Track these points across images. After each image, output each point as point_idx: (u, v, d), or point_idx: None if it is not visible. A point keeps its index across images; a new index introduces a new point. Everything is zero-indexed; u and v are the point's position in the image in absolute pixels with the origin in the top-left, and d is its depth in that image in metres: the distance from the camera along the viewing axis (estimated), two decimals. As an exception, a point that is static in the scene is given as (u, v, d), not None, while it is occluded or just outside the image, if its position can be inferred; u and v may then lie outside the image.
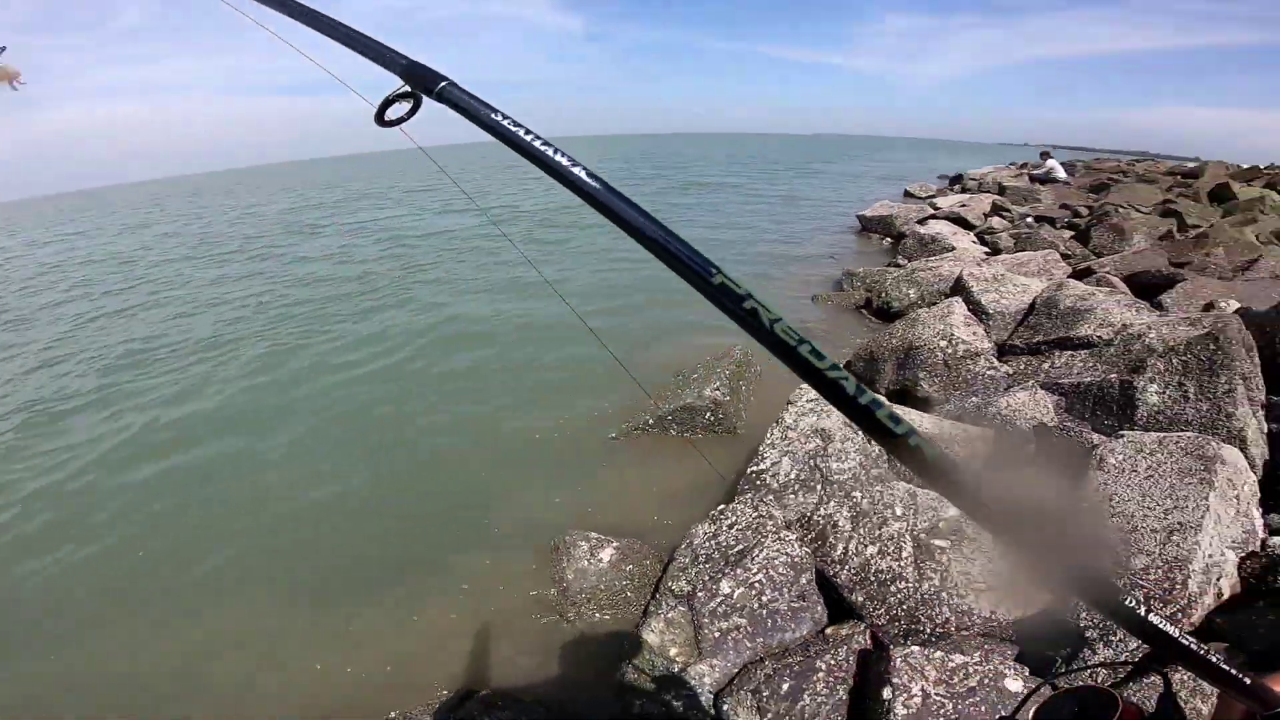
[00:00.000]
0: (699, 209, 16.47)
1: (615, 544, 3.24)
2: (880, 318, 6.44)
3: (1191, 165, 17.33)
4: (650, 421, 4.56)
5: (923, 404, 4.19)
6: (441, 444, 4.83)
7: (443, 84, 0.67)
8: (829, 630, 2.49)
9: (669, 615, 2.59)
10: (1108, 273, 5.59)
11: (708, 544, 2.92)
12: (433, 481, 4.35)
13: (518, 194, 20.45)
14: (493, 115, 0.63)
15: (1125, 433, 3.20)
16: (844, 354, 5.48)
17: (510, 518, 3.81)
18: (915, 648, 2.14)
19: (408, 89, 0.70)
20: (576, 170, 0.57)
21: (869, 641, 2.40)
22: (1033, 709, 0.65)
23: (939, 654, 2.11)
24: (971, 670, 2.05)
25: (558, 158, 0.58)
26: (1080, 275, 5.79)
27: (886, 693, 2.02)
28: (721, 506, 3.15)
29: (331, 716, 2.65)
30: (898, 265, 7.68)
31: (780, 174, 24.40)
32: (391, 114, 0.72)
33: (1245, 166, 16.11)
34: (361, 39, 0.76)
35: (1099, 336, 4.24)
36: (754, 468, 3.41)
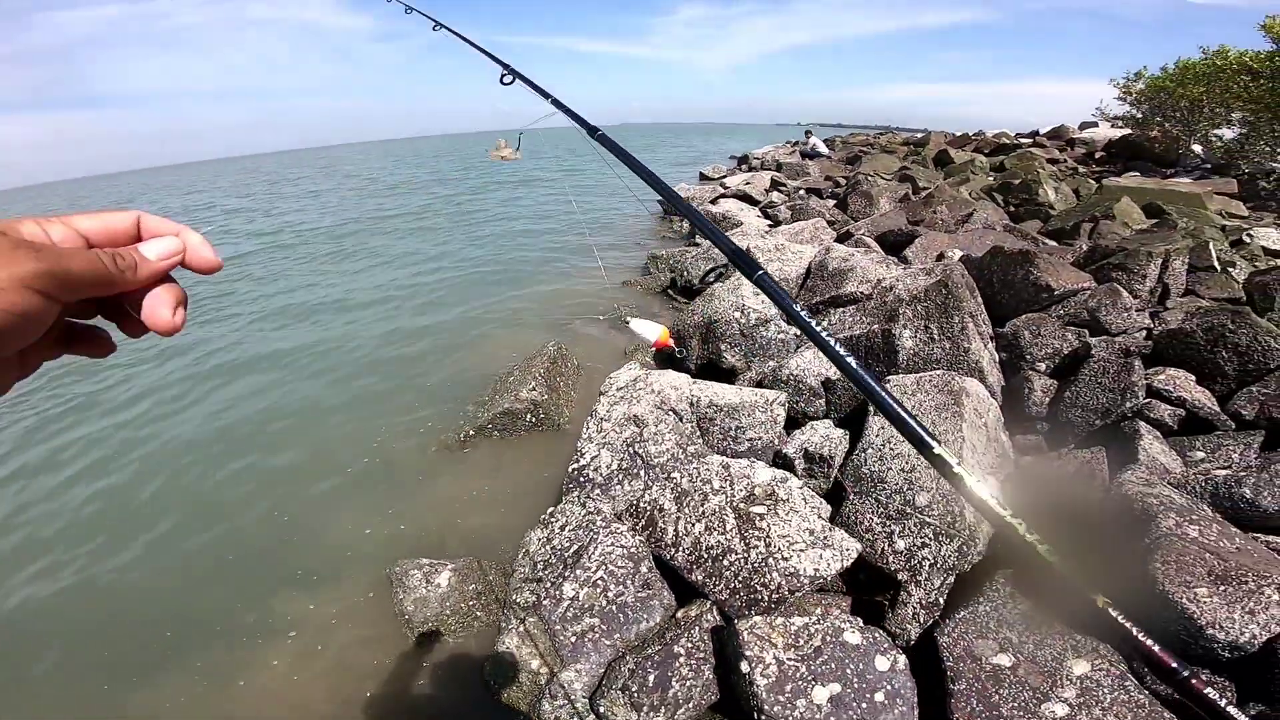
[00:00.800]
0: (512, 204, 16.18)
1: (451, 565, 3.06)
2: (685, 296, 6.78)
3: (920, 135, 20.38)
4: (471, 431, 4.40)
5: (728, 375, 4.49)
6: (240, 483, 4.25)
7: (760, 273, 0.94)
8: (679, 614, 2.53)
9: (521, 629, 2.50)
10: (863, 235, 6.38)
11: (543, 549, 2.88)
12: (238, 526, 3.83)
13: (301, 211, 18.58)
14: (793, 306, 0.87)
15: (891, 377, 3.66)
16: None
17: (331, 555, 3.46)
18: (757, 618, 2.23)
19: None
20: (836, 346, 0.80)
21: (719, 617, 2.48)
22: None
23: (780, 620, 2.21)
24: (813, 630, 2.17)
25: (826, 337, 0.82)
26: (843, 239, 6.54)
27: (744, 666, 2.09)
28: (551, 509, 3.12)
29: None
30: (696, 244, 8.12)
31: (587, 166, 24.70)
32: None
33: (959, 134, 19.28)
34: (714, 230, 1.08)
35: (861, 292, 4.81)
36: (574, 464, 3.41)
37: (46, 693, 2.82)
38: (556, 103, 1.42)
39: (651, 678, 2.25)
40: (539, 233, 12.36)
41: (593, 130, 1.21)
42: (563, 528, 2.97)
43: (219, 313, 8.27)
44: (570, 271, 8.82)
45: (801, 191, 10.56)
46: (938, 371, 3.50)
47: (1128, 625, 0.56)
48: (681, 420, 3.55)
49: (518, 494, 3.82)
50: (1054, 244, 6.10)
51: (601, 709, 2.25)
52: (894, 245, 6.09)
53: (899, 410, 0.70)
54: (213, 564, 3.51)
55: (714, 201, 10.57)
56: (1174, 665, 0.55)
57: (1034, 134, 18.63)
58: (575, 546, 2.80)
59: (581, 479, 3.31)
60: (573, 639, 2.45)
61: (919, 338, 4.02)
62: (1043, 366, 3.80)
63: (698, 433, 3.62)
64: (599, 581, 2.60)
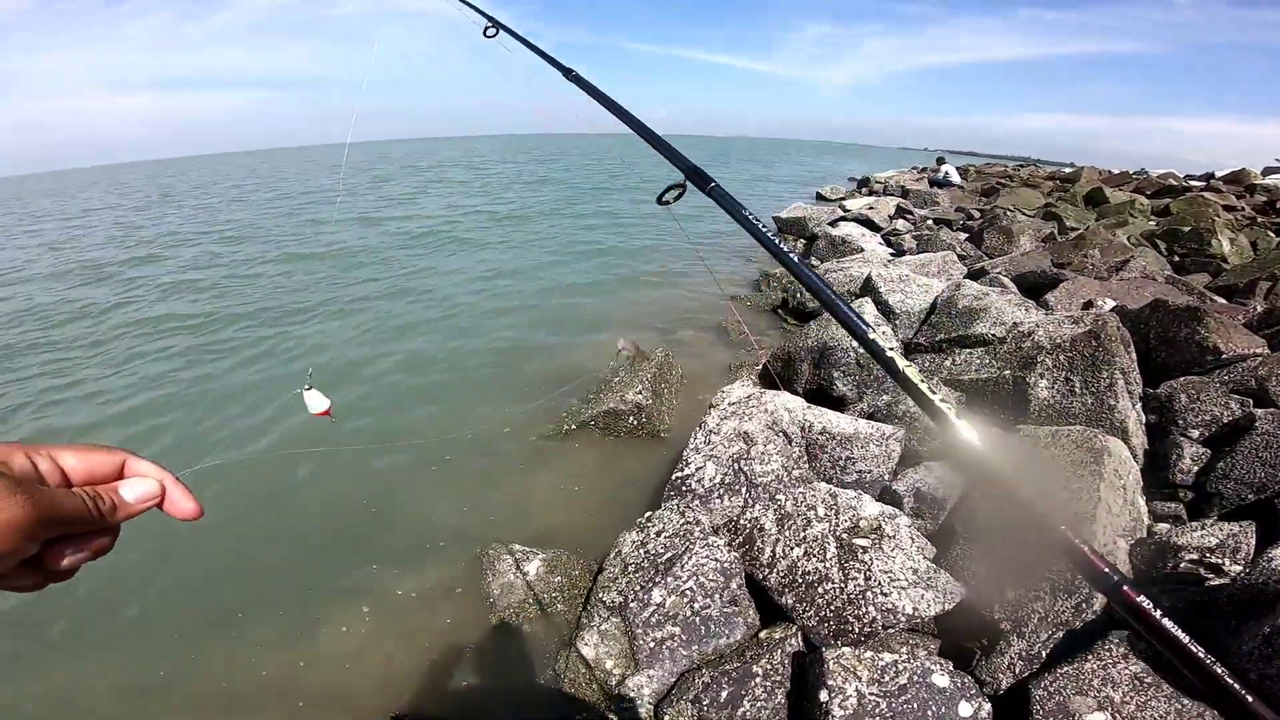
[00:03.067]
0: (629, 208, 16.51)
1: (541, 556, 3.15)
2: (796, 318, 6.64)
3: (1068, 170, 18.92)
4: (574, 426, 4.51)
5: (838, 403, 4.34)
6: (355, 451, 4.57)
7: (713, 184, 1.06)
8: (762, 634, 2.51)
9: (602, 627, 2.54)
10: (999, 273, 5.99)
11: (636, 553, 2.90)
12: (339, 493, 4.09)
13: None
14: (742, 211, 0.99)
15: (1022, 427, 3.43)
16: (762, 354, 5.62)
17: (430, 532, 3.64)
18: (846, 649, 2.18)
19: (684, 181, 1.13)
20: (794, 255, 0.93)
21: (801, 643, 2.43)
22: None
23: (869, 653, 2.15)
24: (901, 668, 2.10)
25: (781, 244, 0.95)
26: (975, 276, 6.17)
27: (823, 695, 2.05)
28: (648, 514, 3.14)
29: None
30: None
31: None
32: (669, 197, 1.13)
33: (1116, 172, 17.75)
34: (661, 141, 1.20)
35: (993, 334, 4.52)
36: (679, 473, 3.41)
37: (135, 636, 3.09)
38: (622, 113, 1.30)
39: (724, 694, 2.23)
40: (656, 238, 12.57)
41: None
42: (659, 533, 2.97)
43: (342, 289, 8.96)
44: (681, 280, 8.87)
45: (930, 221, 10.08)
46: (1077, 427, 3.25)
47: (1064, 530, 0.56)
48: (791, 443, 3.47)
49: (612, 493, 3.87)
50: (1224, 301, 5.48)
51: (667, 717, 2.25)
52: (1034, 288, 5.68)
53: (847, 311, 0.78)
54: (309, 531, 3.75)
55: (833, 224, 10.30)
56: (1105, 571, 0.54)
57: (1208, 177, 16.80)
58: (669, 554, 2.80)
59: (683, 488, 3.30)
60: (651, 644, 2.46)
61: (1057, 389, 3.75)
62: (1196, 434, 3.44)
63: (805, 458, 3.52)
64: (688, 591, 2.59)
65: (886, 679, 2.07)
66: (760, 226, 1.00)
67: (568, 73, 1.57)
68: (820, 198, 16.93)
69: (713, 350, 6.06)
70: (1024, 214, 10.09)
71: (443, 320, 7.42)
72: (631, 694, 2.34)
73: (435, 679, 2.74)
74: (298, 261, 10.74)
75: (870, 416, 3.98)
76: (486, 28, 2.02)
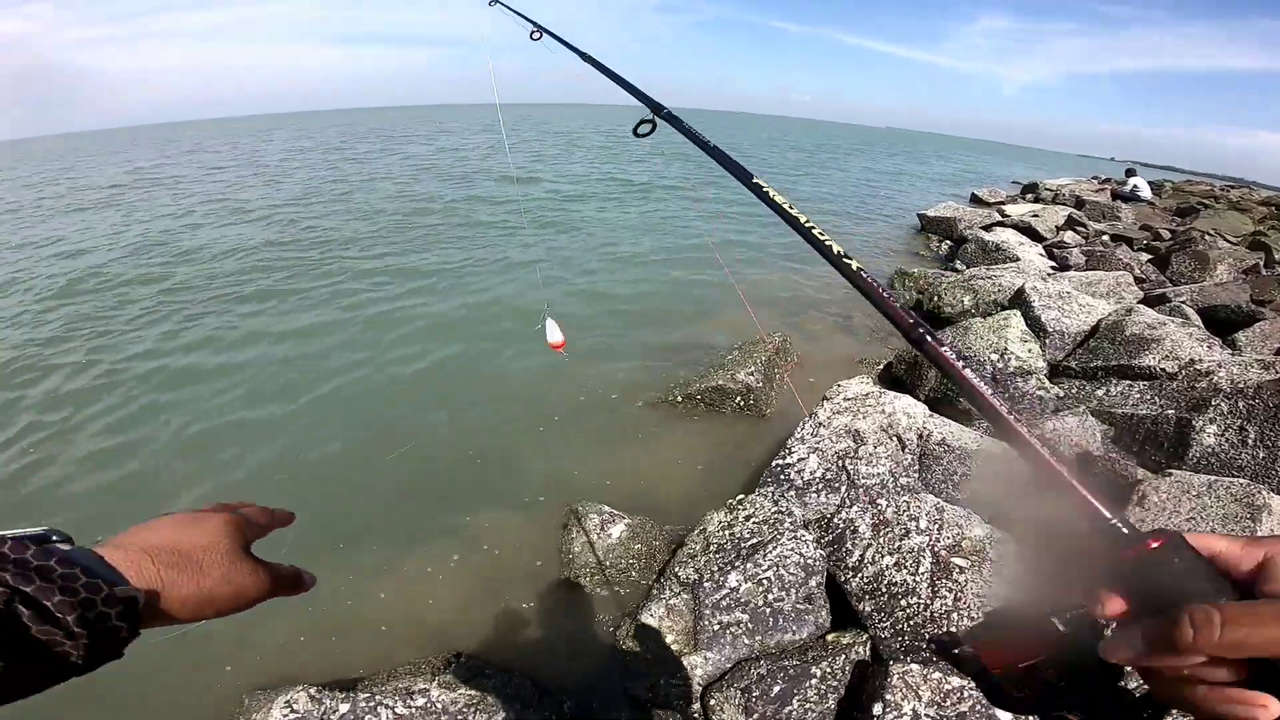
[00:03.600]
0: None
1: (627, 520, 3.20)
2: (929, 321, 6.22)
3: (1292, 198, 16.14)
4: (679, 397, 4.53)
5: (963, 416, 4.05)
6: (460, 396, 4.87)
7: (665, 110, 1.26)
8: (830, 637, 2.44)
9: (671, 601, 2.56)
10: (1183, 302, 5.26)
11: (721, 533, 2.88)
12: (446, 433, 4.37)
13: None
14: (702, 137, 1.09)
15: (1174, 471, 3.05)
16: (886, 354, 5.33)
17: (524, 479, 3.82)
18: (915, 665, 2.09)
19: (652, 117, 1.29)
20: (756, 181, 0.98)
21: (868, 653, 2.35)
22: None
23: (937, 675, 2.05)
24: (966, 694, 2.00)
25: (740, 162, 1.00)
26: (1152, 302, 5.46)
27: (877, 708, 1.98)
28: (740, 496, 3.11)
29: (315, 670, 2.64)
30: (955, 270, 7.39)
31: (841, 163, 23.65)
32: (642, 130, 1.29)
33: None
34: (627, 83, 1.46)
35: (1163, 369, 4.02)
36: (779, 461, 3.34)
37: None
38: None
39: (775, 689, 2.19)
40: (808, 209, 12.14)
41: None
42: (748, 518, 2.93)
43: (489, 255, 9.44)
44: (809, 261, 8.56)
45: (1106, 237, 9.00)
46: (1240, 480, 2.87)
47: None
48: (904, 449, 3.28)
49: (707, 470, 3.86)
50: None
51: (712, 701, 2.24)
52: (1224, 324, 4.94)
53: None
54: (412, 473, 3.95)
55: (987, 229, 9.46)
56: (911, 321, 0.60)
57: None
58: (754, 540, 2.76)
59: (781, 477, 3.23)
60: (716, 627, 2.45)
61: (1226, 437, 3.31)
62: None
63: (916, 466, 3.33)
64: (765, 581, 2.55)
65: (948, 704, 1.98)
66: (718, 148, 1.08)
67: (605, 69, 1.59)
68: (976, 200, 15.59)
69: (835, 340, 5.84)
70: (1226, 240, 8.76)
71: (571, 281, 7.67)
72: (684, 671, 2.35)
73: (502, 626, 2.87)
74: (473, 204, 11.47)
75: (995, 437, 3.68)
76: (532, 32, 2.18)
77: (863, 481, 3.14)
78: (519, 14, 2.39)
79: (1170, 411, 3.59)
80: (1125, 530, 0.43)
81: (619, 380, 4.95)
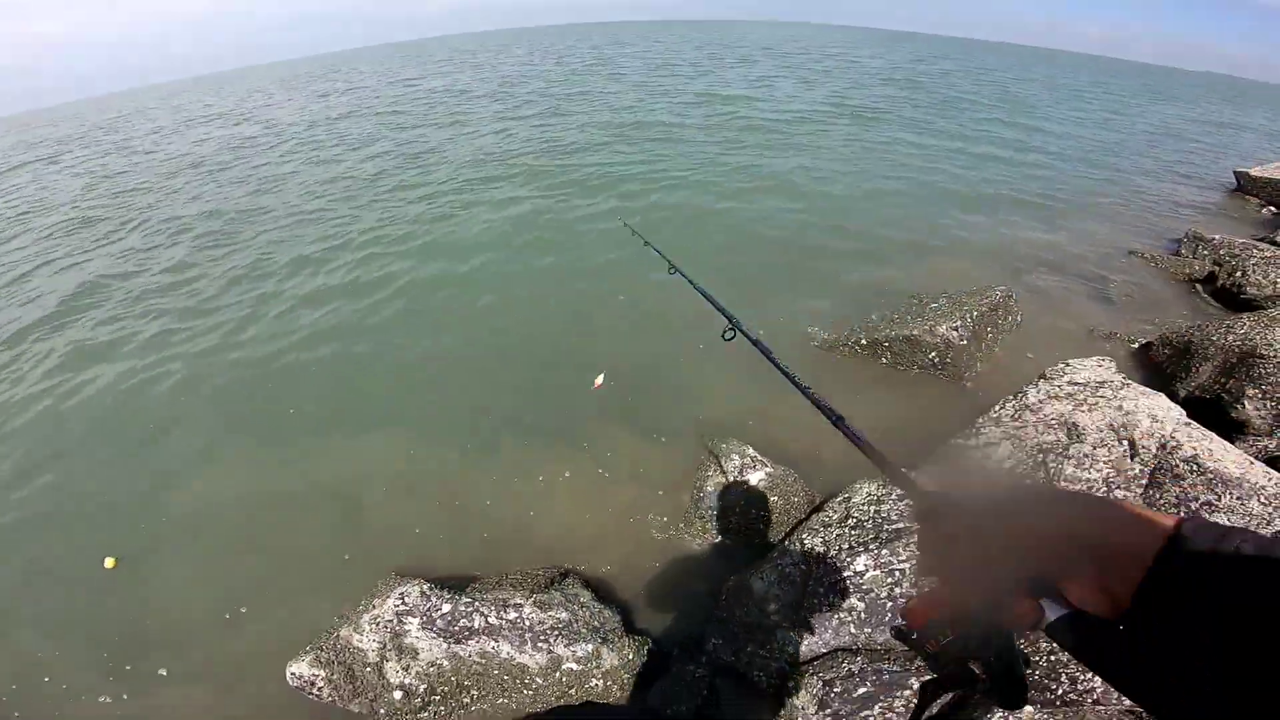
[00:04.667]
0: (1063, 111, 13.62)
1: (769, 469, 2.93)
2: (1221, 301, 4.85)
3: None
4: (863, 341, 4.03)
5: (1233, 427, 3.11)
6: (640, 310, 4.78)
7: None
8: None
9: (787, 569, 2.31)
10: None
11: (866, 508, 2.52)
12: (619, 345, 4.32)
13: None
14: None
15: None
16: (1147, 330, 4.25)
17: (679, 402, 3.67)
18: (1029, 709, 1.72)
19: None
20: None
21: None
22: None
23: None
24: None
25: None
26: None
27: None
28: (904, 469, 2.67)
29: (439, 561, 2.81)
30: (1275, 244, 5.61)
31: (1140, 109, 18.93)
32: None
33: None
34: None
35: None
36: (961, 439, 2.83)
37: (415, 436, 3.62)
38: None
39: (860, 690, 1.92)
40: (1054, 146, 10.33)
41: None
42: (900, 497, 2.51)
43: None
44: (1067, 210, 7.09)
45: None
46: None
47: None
48: (1133, 458, 2.60)
49: (877, 432, 3.36)
50: None
51: (790, 683, 2.03)
52: None
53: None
54: (557, 380, 3.97)
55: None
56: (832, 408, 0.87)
57: None
58: (900, 525, 2.37)
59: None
60: (826, 608, 2.17)
61: None
62: None
63: (1144, 482, 2.63)
64: (896, 572, 2.19)
65: None
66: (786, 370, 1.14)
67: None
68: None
69: (1075, 307, 4.75)
70: None
71: (784, 199, 7.17)
72: (776, 644, 2.14)
73: (612, 553, 2.81)
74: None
75: (1272, 462, 2.77)
76: None
77: (1063, 485, 2.55)
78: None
79: None
80: None
81: (798, 312, 4.54)
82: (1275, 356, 3.13)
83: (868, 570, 2.21)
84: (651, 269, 5.16)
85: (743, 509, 2.82)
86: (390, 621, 2.27)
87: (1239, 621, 0.40)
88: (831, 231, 6.14)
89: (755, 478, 2.89)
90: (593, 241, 6.06)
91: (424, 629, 2.24)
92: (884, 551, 2.25)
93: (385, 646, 2.22)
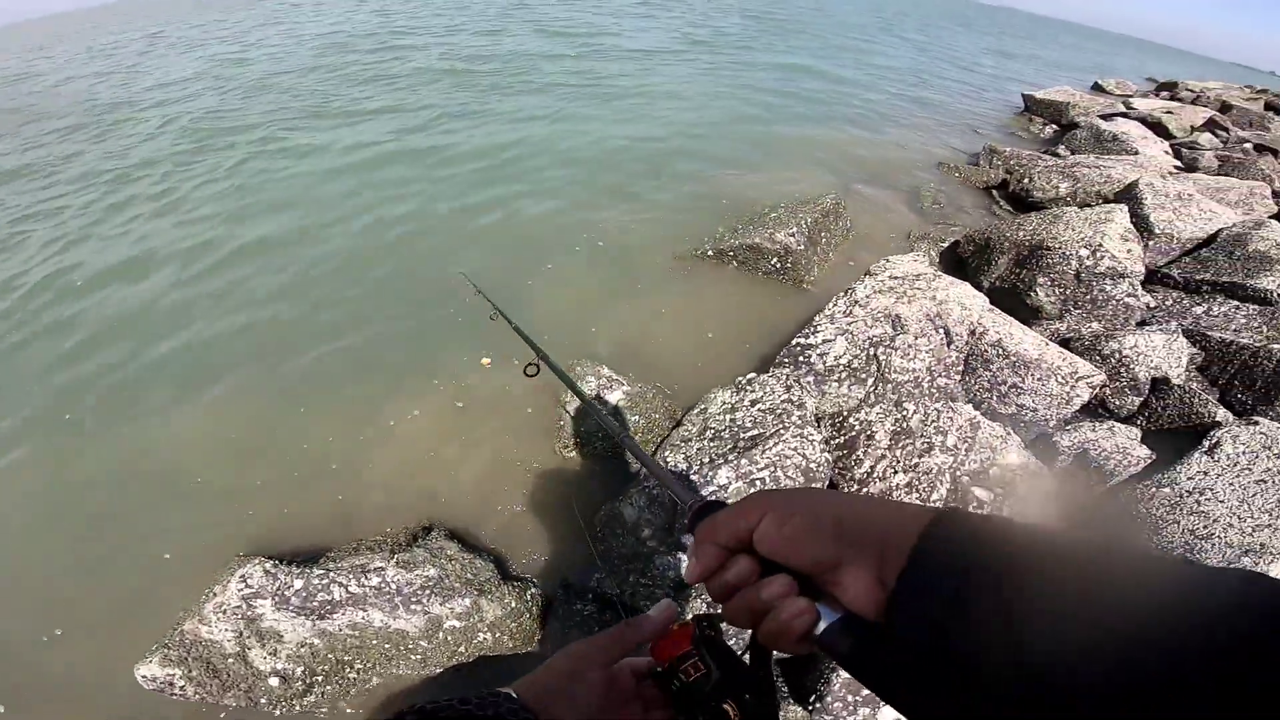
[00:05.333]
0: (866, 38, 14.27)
1: (626, 388, 2.84)
2: (1013, 204, 5.45)
3: None
4: (710, 251, 4.04)
5: (1030, 314, 3.50)
6: (479, 228, 4.45)
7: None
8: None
9: (654, 492, 2.26)
10: (1327, 226, 4.39)
11: (722, 417, 2.52)
12: (435, 268, 3.97)
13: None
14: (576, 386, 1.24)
15: (1262, 420, 2.57)
16: (953, 231, 4.65)
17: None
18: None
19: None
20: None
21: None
22: None
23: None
24: None
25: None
26: (1288, 220, 4.59)
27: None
28: (750, 375, 2.70)
29: (278, 538, 2.45)
30: (1056, 155, 6.39)
31: (943, 37, 20.71)
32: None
33: None
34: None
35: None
36: (801, 339, 2.91)
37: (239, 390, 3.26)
38: None
39: None
40: (874, 73, 10.88)
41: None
42: (753, 403, 2.55)
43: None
44: (885, 127, 7.57)
45: (1249, 145, 7.64)
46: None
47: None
48: (949, 345, 2.81)
49: (725, 337, 3.45)
50: None
51: (686, 606, 2.04)
52: (1373, 256, 4.12)
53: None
54: (388, 308, 3.63)
55: (1106, 118, 8.13)
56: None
57: None
58: (755, 431, 2.39)
59: (800, 359, 2.82)
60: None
61: (1339, 390, 2.77)
62: None
63: (960, 368, 2.87)
64: (758, 482, 2.22)
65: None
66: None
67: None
68: (1099, 89, 13.53)
69: (894, 213, 5.11)
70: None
71: (627, 109, 6.94)
72: (657, 571, 2.12)
73: (474, 495, 2.60)
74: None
75: (1064, 343, 3.16)
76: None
77: (894, 376, 2.72)
78: None
79: (1276, 346, 3.00)
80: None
81: (644, 226, 4.45)
82: (1059, 249, 3.52)
83: (730, 483, 2.20)
84: (505, 185, 4.87)
85: (605, 432, 2.70)
86: (238, 607, 1.98)
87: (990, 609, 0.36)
88: (678, 152, 6.07)
89: (614, 397, 2.80)
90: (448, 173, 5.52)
91: (279, 609, 1.98)
92: (743, 461, 2.25)
93: (242, 634, 1.94)
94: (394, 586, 2.07)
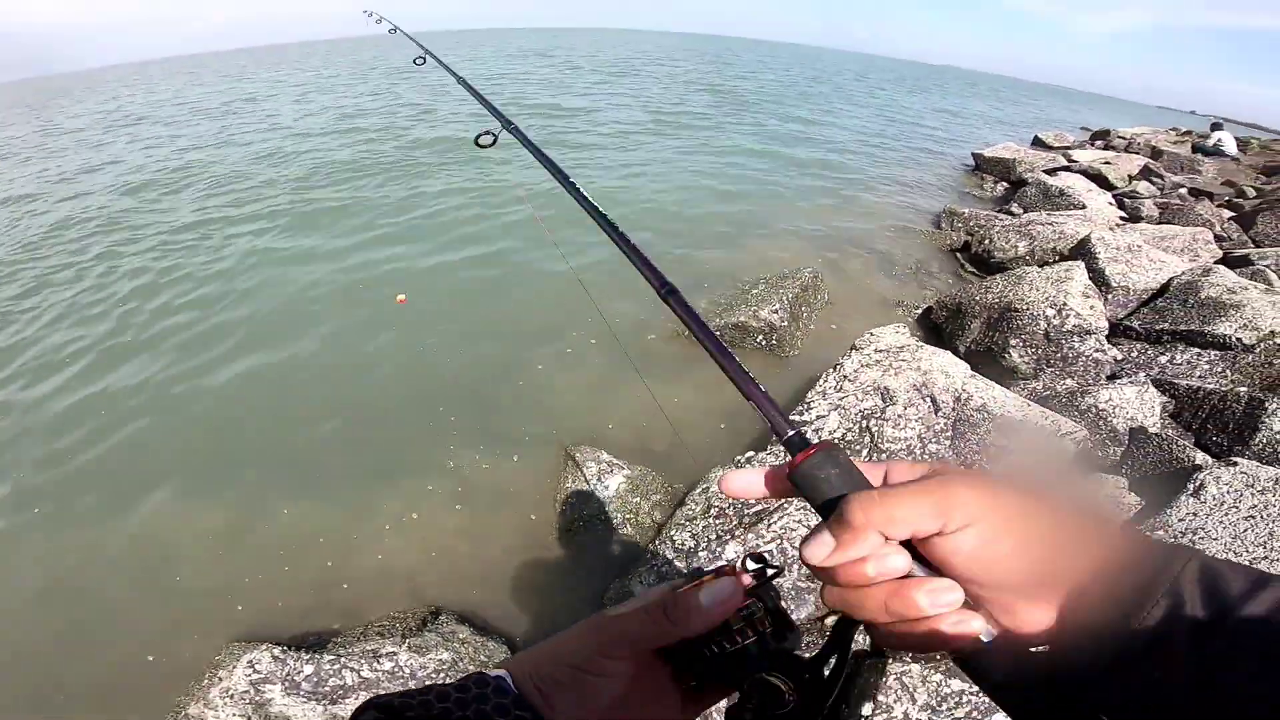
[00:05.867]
0: (829, 114, 15.11)
1: (626, 471, 2.94)
2: (977, 266, 5.74)
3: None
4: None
5: (1006, 375, 3.67)
6: (467, 325, 4.56)
7: (511, 125, 1.32)
8: (830, 619, 2.23)
9: (663, 569, 2.33)
10: (1268, 266, 4.70)
11: (724, 496, 2.62)
12: (450, 365, 4.08)
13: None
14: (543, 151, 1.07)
15: (1240, 460, 2.71)
16: (926, 296, 4.88)
17: (518, 416, 3.55)
18: (915, 666, 1.90)
19: (498, 128, 1.36)
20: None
21: (867, 641, 2.10)
22: None
23: (937, 677, 1.87)
24: (965, 699, 1.83)
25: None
26: (1233, 264, 4.90)
27: (866, 708, 1.74)
28: (750, 454, 2.81)
29: (285, 624, 2.47)
30: (1010, 213, 6.77)
31: (892, 98, 22.10)
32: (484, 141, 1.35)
33: None
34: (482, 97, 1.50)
35: (1239, 339, 3.59)
36: (796, 417, 3.03)
37: (237, 489, 3.32)
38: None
39: None
40: (837, 142, 11.41)
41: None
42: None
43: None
44: (851, 195, 7.98)
45: (1184, 190, 8.19)
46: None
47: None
48: (937, 413, 2.94)
49: (719, 418, 3.54)
50: None
51: None
52: (1314, 294, 4.41)
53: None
54: (390, 402, 3.71)
55: (1051, 172, 8.68)
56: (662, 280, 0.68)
57: None
58: (760, 507, 2.50)
59: (797, 432, 2.93)
60: None
61: (1306, 425, 2.94)
62: None
63: (950, 434, 2.99)
64: (766, 555, 2.29)
65: (944, 708, 1.83)
66: (560, 170, 1.02)
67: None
68: (1039, 143, 14.41)
69: (870, 280, 5.37)
70: (1318, 203, 7.90)
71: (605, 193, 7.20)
72: None
73: (484, 580, 2.65)
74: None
75: (1042, 401, 3.31)
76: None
77: (887, 446, 2.83)
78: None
79: (1242, 389, 3.19)
80: (797, 436, 0.46)
81: (629, 310, 4.60)
82: (1027, 309, 3.74)
83: (738, 558, 2.26)
84: (484, 289, 5.01)
85: (607, 514, 2.79)
86: (246, 692, 1.96)
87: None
88: (655, 229, 6.33)
89: (615, 482, 2.88)
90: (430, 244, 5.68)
91: (289, 694, 1.96)
92: (749, 536, 2.34)
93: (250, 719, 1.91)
94: (407, 671, 2.07)
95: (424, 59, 2.14)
